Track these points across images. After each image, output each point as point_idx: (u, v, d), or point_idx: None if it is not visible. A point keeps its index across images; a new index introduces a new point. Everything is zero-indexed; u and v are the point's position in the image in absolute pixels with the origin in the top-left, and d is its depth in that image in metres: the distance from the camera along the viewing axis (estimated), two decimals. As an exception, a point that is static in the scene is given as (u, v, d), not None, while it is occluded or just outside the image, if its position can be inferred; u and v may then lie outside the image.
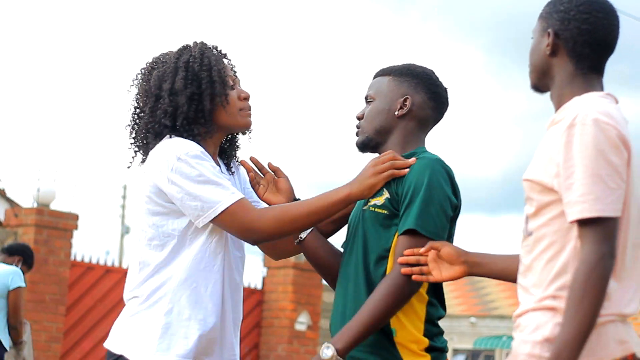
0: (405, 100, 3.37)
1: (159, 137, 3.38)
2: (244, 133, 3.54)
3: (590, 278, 2.43)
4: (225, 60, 3.49)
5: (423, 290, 3.21)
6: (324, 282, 15.12)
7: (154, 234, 3.34)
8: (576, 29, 2.69)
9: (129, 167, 3.48)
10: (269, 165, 3.56)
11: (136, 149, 3.47)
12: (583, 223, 2.48)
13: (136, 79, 3.50)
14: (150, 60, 3.49)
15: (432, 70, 3.47)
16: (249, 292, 14.65)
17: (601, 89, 2.71)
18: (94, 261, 13.18)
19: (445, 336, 3.25)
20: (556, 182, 2.54)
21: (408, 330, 3.17)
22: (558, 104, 2.71)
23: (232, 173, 3.58)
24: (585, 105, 2.57)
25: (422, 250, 3.11)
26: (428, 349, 3.18)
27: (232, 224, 3.27)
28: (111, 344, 3.36)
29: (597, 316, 2.43)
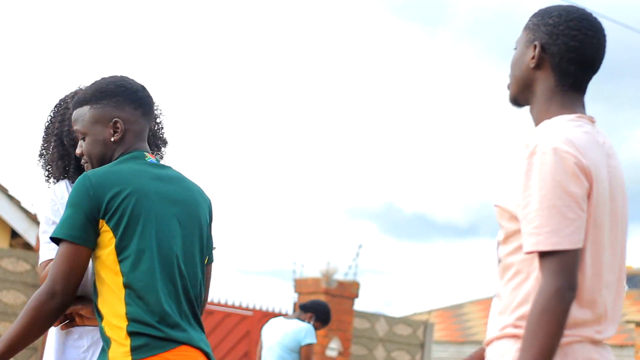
0: (115, 124, 3.25)
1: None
2: None
3: (545, 311, 2.34)
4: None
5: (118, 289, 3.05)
6: (355, 308, 15.16)
7: None
8: (564, 45, 2.59)
9: None
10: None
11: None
12: (541, 255, 2.40)
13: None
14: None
15: (120, 77, 3.31)
16: (279, 318, 14.62)
17: (582, 107, 2.62)
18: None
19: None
20: (519, 211, 2.46)
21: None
22: (536, 120, 2.63)
23: None
24: (549, 133, 2.48)
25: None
26: (130, 334, 3.01)
27: None
28: None
29: (554, 349, 2.34)
